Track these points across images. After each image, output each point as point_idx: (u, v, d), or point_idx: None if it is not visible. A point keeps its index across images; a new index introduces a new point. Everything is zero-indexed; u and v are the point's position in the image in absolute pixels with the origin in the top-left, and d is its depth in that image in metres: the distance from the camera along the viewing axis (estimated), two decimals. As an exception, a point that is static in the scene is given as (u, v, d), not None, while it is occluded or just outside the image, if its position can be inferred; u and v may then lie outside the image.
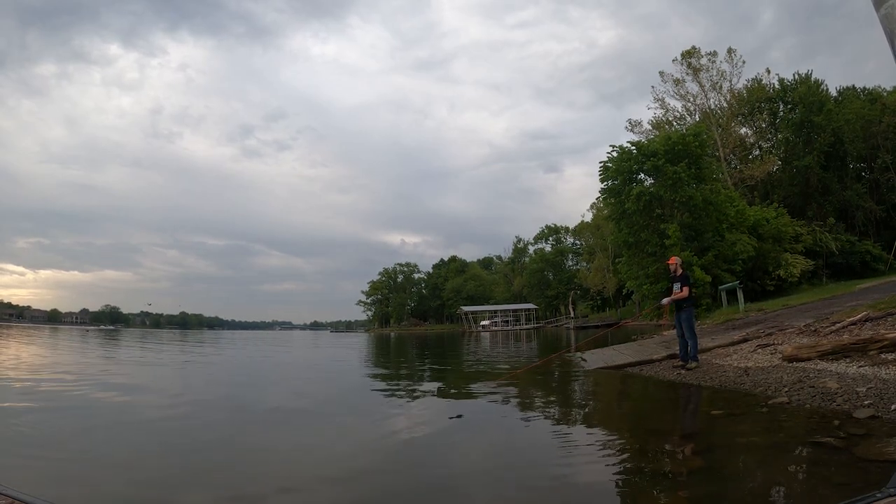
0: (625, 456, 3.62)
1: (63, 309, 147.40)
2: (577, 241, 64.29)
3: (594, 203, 47.67)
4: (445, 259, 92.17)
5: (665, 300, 7.71)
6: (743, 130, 34.55)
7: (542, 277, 65.07)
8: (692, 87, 33.37)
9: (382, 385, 8.46)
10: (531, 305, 63.68)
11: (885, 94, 32.18)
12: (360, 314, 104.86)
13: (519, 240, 79.45)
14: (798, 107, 31.13)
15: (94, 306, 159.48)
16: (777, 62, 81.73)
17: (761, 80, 33.12)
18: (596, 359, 9.67)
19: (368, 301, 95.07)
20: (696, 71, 32.91)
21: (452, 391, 7.21)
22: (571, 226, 64.23)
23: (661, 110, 34.62)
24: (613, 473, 3.17)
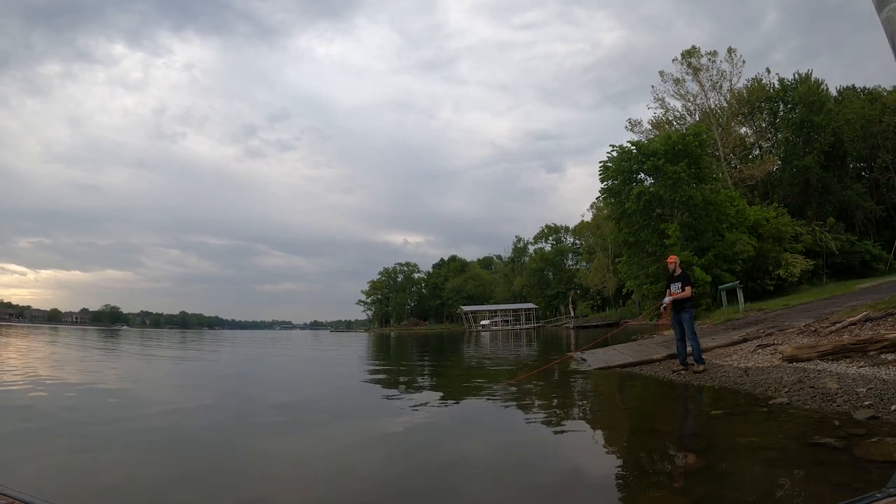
0: (625, 456, 3.63)
1: (63, 309, 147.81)
2: (577, 241, 64.30)
3: (594, 203, 47.72)
4: (446, 259, 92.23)
5: (667, 299, 7.21)
6: (743, 130, 34.56)
7: (542, 277, 65.08)
8: (692, 86, 33.42)
9: (382, 385, 8.46)
10: (531, 305, 63.69)
11: (885, 93, 32.16)
12: (361, 314, 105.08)
13: (519, 239, 79.62)
14: (798, 106, 31.13)
15: (95, 306, 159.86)
16: (779, 63, 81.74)
17: (761, 79, 33.14)
18: (596, 359, 9.66)
19: (368, 301, 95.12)
20: (696, 70, 32.91)
21: (452, 391, 7.21)
22: (573, 226, 64.31)
23: (661, 110, 34.69)
24: (613, 473, 3.17)
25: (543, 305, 64.14)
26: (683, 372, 7.05)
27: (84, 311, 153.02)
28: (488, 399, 6.13)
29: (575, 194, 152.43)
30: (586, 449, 3.90)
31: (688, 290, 7.11)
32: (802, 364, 5.86)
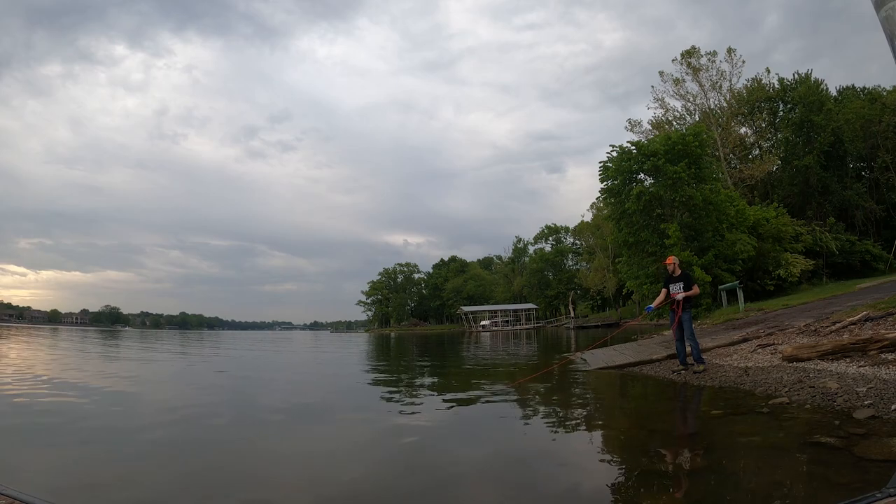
0: (625, 456, 3.63)
1: (63, 309, 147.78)
2: (577, 242, 64.31)
3: (594, 203, 47.75)
4: (447, 259, 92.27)
5: (679, 295, 7.04)
6: (743, 130, 34.60)
7: (542, 277, 65.12)
8: (692, 86, 33.45)
9: (382, 386, 8.47)
10: (531, 305, 63.70)
11: (884, 93, 32.19)
12: (361, 314, 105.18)
13: (519, 240, 79.67)
14: (798, 106, 31.14)
15: (95, 307, 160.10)
16: (781, 64, 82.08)
17: (761, 79, 33.16)
18: (596, 359, 9.67)
19: (368, 301, 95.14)
20: (695, 71, 32.93)
21: (452, 392, 7.21)
22: (573, 226, 64.29)
23: (661, 110, 34.73)
24: (614, 474, 3.18)
25: (543, 306, 64.16)
26: (683, 372, 7.06)
27: (84, 311, 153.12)
28: (488, 400, 6.13)
29: (576, 195, 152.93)
30: (586, 449, 3.90)
31: (695, 288, 7.17)
32: (802, 364, 5.87)
